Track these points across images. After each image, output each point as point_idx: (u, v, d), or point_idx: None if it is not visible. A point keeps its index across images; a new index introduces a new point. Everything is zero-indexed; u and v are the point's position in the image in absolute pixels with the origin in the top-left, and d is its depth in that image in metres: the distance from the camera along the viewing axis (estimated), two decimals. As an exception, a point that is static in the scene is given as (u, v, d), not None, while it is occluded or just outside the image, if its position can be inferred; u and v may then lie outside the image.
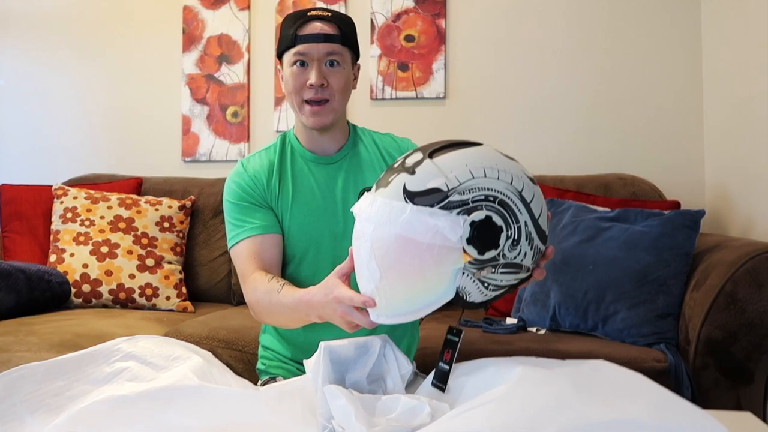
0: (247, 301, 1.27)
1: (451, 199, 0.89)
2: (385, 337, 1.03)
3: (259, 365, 1.45)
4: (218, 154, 2.80)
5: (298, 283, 1.28)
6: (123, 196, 2.34)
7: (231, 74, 2.81)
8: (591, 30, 2.49)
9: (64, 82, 2.99)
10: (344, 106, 1.36)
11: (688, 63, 2.40)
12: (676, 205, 2.02)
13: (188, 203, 2.40)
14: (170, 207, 2.35)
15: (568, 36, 2.51)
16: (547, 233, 0.99)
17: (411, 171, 0.92)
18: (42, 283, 1.99)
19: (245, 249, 1.30)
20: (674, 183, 2.37)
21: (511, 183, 0.93)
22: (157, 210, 2.32)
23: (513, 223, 0.92)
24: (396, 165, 0.97)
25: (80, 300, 2.14)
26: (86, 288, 2.13)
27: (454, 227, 0.88)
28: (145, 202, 2.33)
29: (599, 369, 0.87)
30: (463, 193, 0.90)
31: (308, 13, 1.30)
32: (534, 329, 1.79)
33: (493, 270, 0.92)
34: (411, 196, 0.90)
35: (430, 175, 0.91)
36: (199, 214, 2.47)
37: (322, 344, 0.99)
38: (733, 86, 2.12)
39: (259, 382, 1.41)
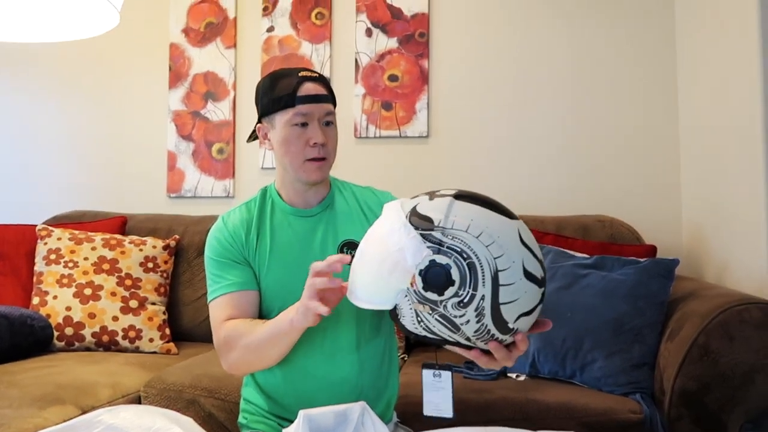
0: (217, 347, 1.31)
1: (433, 233, 0.96)
2: (363, 405, 1.05)
3: (240, 419, 1.46)
4: (203, 191, 2.82)
5: None
6: (107, 236, 2.35)
7: (217, 111, 2.84)
8: (570, 73, 2.55)
9: (50, 118, 3.00)
10: (333, 163, 1.39)
11: (665, 105, 2.47)
12: (652, 250, 2.07)
13: (172, 243, 2.41)
14: (154, 247, 2.36)
15: (548, 78, 2.57)
16: (510, 326, 0.98)
17: (431, 197, 1.01)
18: (24, 327, 1.98)
19: (221, 304, 1.33)
20: (651, 223, 2.43)
21: (495, 258, 0.95)
22: (141, 250, 2.33)
23: (468, 288, 0.94)
24: (434, 191, 1.06)
25: (63, 343, 2.13)
26: (69, 331, 2.13)
27: (416, 254, 0.95)
28: (129, 243, 2.34)
29: None
30: (445, 236, 0.96)
31: (300, 74, 1.33)
32: (514, 375, 1.82)
33: (431, 312, 0.97)
34: (411, 214, 1.00)
35: (438, 208, 0.99)
36: (184, 253, 2.48)
37: (301, 413, 1.01)
38: (710, 128, 2.18)
39: None
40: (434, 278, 0.95)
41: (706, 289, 1.78)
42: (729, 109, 2.00)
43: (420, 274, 0.95)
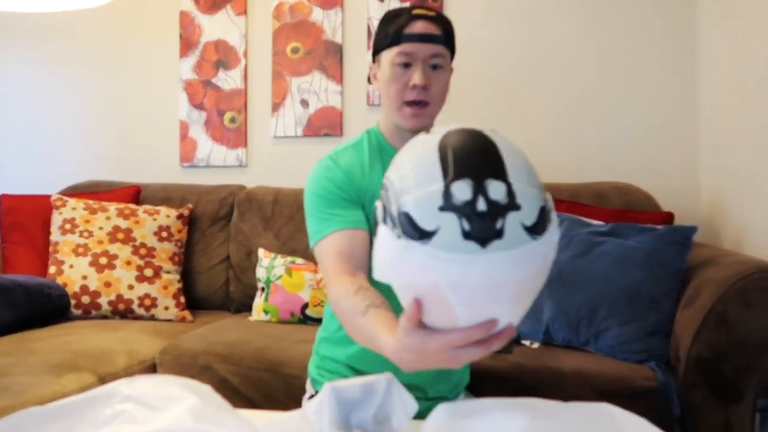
0: (330, 302, 1.17)
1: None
2: (390, 376, 1.05)
3: (315, 375, 1.39)
4: (216, 160, 2.81)
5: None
6: (121, 206, 2.36)
7: (228, 80, 2.81)
8: (586, 37, 2.49)
9: (63, 89, 2.99)
10: (440, 110, 1.30)
11: (684, 70, 2.41)
12: (669, 217, 2.04)
13: (186, 212, 2.42)
14: (168, 216, 2.36)
15: (563, 42, 2.51)
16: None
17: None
18: (41, 296, 2.01)
19: (332, 244, 1.19)
20: (669, 190, 2.38)
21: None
22: (155, 220, 2.33)
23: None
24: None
25: (80, 311, 2.16)
26: (86, 300, 2.16)
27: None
28: (143, 212, 2.35)
29: (604, 418, 0.88)
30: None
31: (413, 12, 1.25)
32: (528, 342, 1.82)
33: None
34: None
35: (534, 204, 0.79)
36: (197, 222, 2.48)
37: (326, 385, 1.00)
38: (729, 94, 2.13)
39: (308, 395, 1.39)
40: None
41: (723, 256, 1.75)
42: (749, 74, 1.95)
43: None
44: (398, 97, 1.25)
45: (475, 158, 0.80)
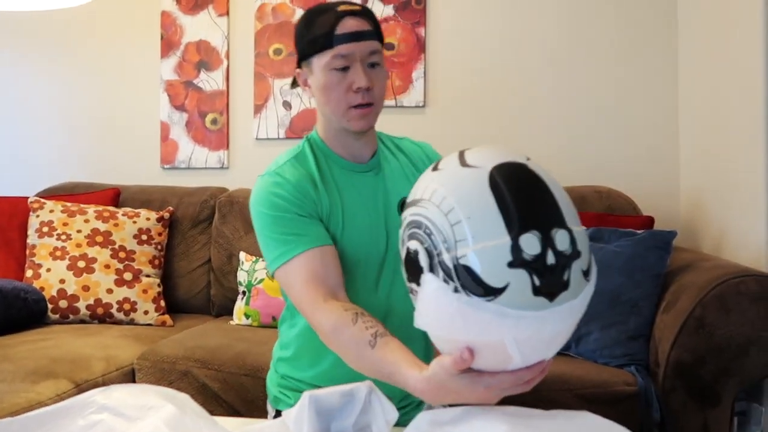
0: (322, 333, 1.04)
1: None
2: (370, 384, 1.04)
3: (276, 394, 1.30)
4: (197, 162, 2.79)
5: None
6: (100, 208, 2.33)
7: (210, 81, 2.79)
8: (567, 40, 2.50)
9: (41, 89, 2.95)
10: (381, 110, 1.22)
11: (665, 74, 2.43)
12: (650, 221, 2.05)
13: (166, 215, 2.39)
14: (148, 219, 2.34)
15: (548, 47, 2.52)
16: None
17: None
18: (18, 301, 1.97)
19: (301, 267, 1.08)
20: (649, 193, 2.40)
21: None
22: (134, 222, 2.31)
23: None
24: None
25: (57, 316, 2.13)
26: (63, 304, 2.12)
27: None
28: (123, 215, 2.32)
29: (586, 427, 0.88)
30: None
31: (339, 8, 1.15)
32: (509, 347, 1.82)
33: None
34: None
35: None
36: (178, 224, 2.46)
37: (306, 394, 0.98)
38: (708, 98, 2.15)
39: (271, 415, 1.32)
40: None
41: (703, 260, 1.77)
42: (729, 76, 1.97)
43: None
44: (341, 102, 1.16)
45: (536, 205, 0.75)
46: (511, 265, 0.72)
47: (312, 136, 1.26)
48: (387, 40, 2.63)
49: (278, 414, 1.29)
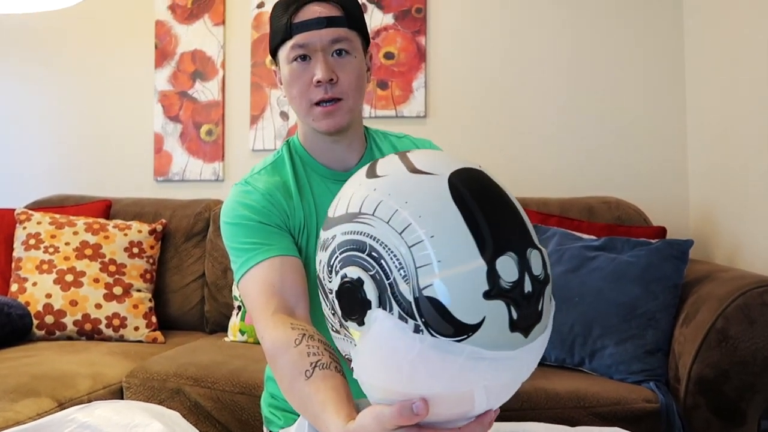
0: (265, 349, 0.91)
1: None
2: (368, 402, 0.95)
3: (267, 413, 1.23)
4: (192, 174, 2.71)
5: None
6: (90, 220, 2.24)
7: (205, 91, 2.72)
8: (574, 50, 2.44)
9: (31, 99, 2.88)
10: (360, 105, 1.10)
11: (672, 84, 2.37)
12: (662, 231, 1.98)
13: (159, 227, 2.30)
14: (140, 231, 2.25)
15: (551, 55, 2.46)
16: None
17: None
18: (1, 316, 1.87)
19: (260, 276, 0.97)
20: (657, 204, 2.33)
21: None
22: (126, 235, 2.22)
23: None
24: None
25: (43, 332, 2.03)
26: (49, 319, 2.02)
27: None
28: (114, 227, 2.23)
29: None
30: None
31: None
32: (519, 363, 1.73)
33: None
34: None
35: None
36: (171, 238, 2.37)
37: (304, 420, 0.88)
38: (718, 107, 2.09)
39: None
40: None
41: (721, 271, 1.69)
42: (738, 86, 1.91)
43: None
44: (303, 98, 1.05)
45: (508, 221, 0.63)
46: (487, 295, 0.59)
47: (292, 141, 1.16)
48: (387, 49, 2.58)
49: None
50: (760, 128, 1.77)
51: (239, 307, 2.09)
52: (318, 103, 1.04)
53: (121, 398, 1.69)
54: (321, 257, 0.70)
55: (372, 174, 0.68)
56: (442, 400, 0.61)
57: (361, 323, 0.62)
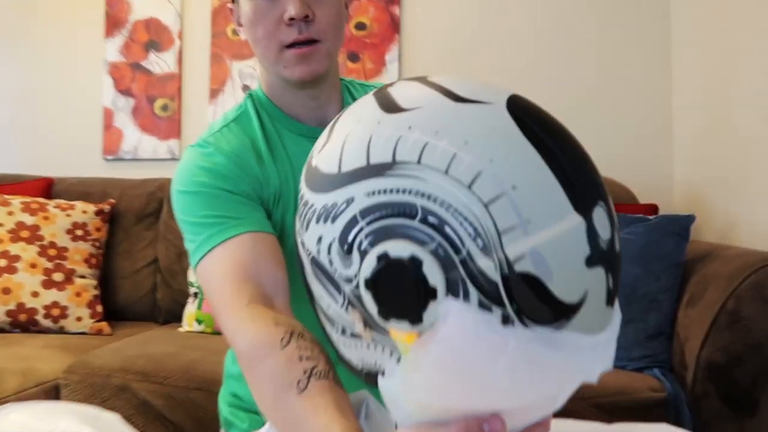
0: (234, 346, 0.72)
1: None
2: (365, 393, 0.78)
3: (226, 414, 1.03)
4: (145, 152, 2.49)
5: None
6: (28, 199, 2.01)
7: (160, 63, 2.50)
8: (556, 25, 2.31)
9: (-36, 69, 2.62)
10: (338, 49, 0.91)
11: (657, 61, 2.25)
12: (653, 209, 1.85)
13: (107, 207, 2.09)
14: (85, 212, 2.03)
15: (533, 29, 2.32)
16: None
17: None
18: None
19: (227, 257, 0.78)
20: (642, 184, 2.21)
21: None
22: (68, 216, 1.99)
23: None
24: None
25: (-30, 323, 1.80)
26: (-23, 309, 1.79)
27: None
28: (55, 207, 2.00)
29: None
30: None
31: None
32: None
33: None
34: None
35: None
36: (120, 219, 2.15)
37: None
38: (703, 85, 1.99)
39: None
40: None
41: (723, 249, 1.56)
42: (723, 64, 1.79)
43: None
44: (271, 41, 0.86)
45: (585, 160, 0.49)
46: (589, 261, 0.44)
47: (255, 92, 0.96)
48: (358, 19, 2.40)
49: None
50: (747, 105, 1.68)
51: (196, 294, 1.89)
52: (290, 46, 0.85)
53: (57, 398, 1.48)
54: (321, 232, 0.50)
55: (393, 107, 0.49)
56: (520, 412, 0.45)
57: (416, 321, 0.44)
